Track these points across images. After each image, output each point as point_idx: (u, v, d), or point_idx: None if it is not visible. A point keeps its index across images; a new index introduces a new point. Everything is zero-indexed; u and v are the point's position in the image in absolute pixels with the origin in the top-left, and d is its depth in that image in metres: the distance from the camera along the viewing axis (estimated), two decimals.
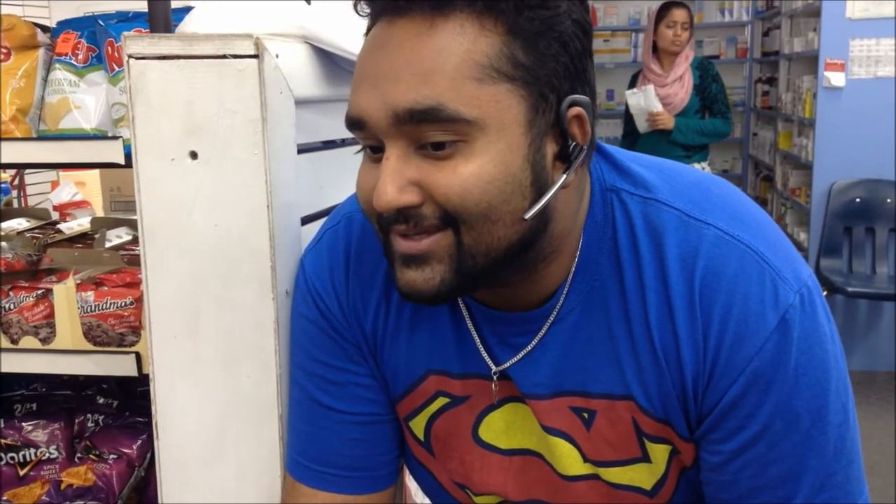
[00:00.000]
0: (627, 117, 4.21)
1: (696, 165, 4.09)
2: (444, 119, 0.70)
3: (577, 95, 0.74)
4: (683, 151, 4.07)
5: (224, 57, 0.91)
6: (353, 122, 0.75)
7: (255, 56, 0.90)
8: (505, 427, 0.90)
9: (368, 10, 0.76)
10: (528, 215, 0.74)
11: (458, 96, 0.70)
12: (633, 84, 4.22)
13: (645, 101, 4.01)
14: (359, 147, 0.79)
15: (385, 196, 0.72)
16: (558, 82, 0.73)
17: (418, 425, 0.93)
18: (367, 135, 0.75)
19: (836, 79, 4.12)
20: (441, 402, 0.91)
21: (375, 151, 0.75)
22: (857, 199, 4.18)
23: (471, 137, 0.71)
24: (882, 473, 3.12)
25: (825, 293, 3.78)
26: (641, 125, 4.08)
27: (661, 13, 4.05)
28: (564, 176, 0.75)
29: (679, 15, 4.00)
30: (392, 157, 0.73)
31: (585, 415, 0.85)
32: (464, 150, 0.72)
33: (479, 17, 0.71)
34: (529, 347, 0.85)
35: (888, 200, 4.15)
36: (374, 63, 0.73)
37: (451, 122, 0.70)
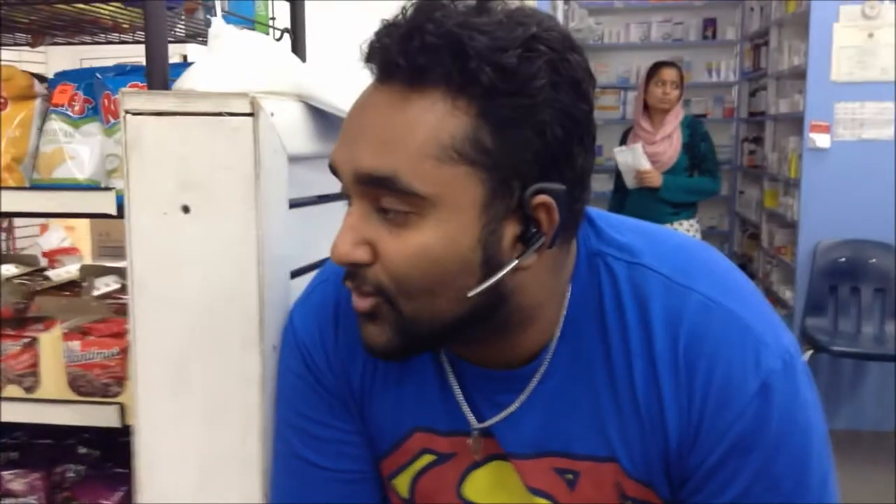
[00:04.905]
0: (618, 173, 4.25)
1: (684, 223, 4.12)
2: (397, 190, 0.72)
3: (545, 184, 0.73)
4: (671, 208, 4.10)
5: (220, 114, 0.92)
6: (332, 171, 0.78)
7: (251, 114, 0.92)
8: (489, 485, 0.90)
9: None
10: (470, 294, 0.75)
11: (415, 171, 0.72)
12: (623, 141, 4.27)
13: (633, 159, 4.06)
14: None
15: (337, 249, 0.75)
16: (526, 169, 0.73)
17: (402, 483, 0.93)
18: (341, 183, 0.78)
19: (822, 140, 4.17)
20: (426, 459, 0.91)
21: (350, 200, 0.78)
22: (843, 259, 4.21)
23: (424, 211, 0.73)
24: None
25: (810, 351, 3.79)
26: (630, 182, 4.12)
27: (651, 72, 4.11)
28: (516, 260, 0.76)
29: (668, 74, 4.06)
30: (354, 213, 0.76)
31: (570, 476, 0.85)
32: (416, 222, 0.73)
33: (453, 97, 0.72)
34: (514, 406, 0.85)
35: (872, 260, 4.18)
36: (353, 121, 0.77)
37: (404, 193, 0.72)
